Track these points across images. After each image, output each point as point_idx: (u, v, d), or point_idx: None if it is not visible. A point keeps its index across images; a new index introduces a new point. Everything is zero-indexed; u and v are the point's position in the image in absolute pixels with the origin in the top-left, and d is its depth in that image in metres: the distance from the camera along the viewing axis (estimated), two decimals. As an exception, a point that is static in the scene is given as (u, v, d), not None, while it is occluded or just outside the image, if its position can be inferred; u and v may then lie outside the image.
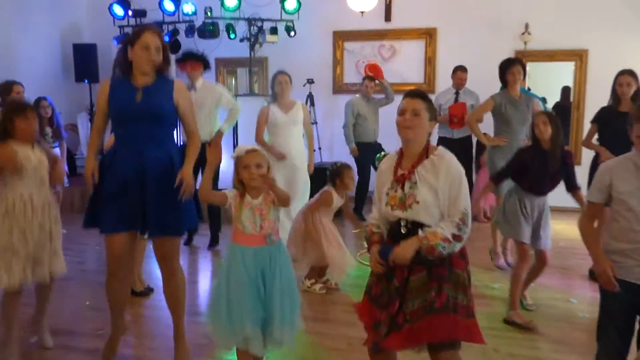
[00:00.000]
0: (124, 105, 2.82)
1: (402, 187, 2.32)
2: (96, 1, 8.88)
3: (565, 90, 7.58)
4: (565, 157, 3.69)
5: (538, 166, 3.63)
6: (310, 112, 6.71)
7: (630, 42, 6.85)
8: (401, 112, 2.36)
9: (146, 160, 2.81)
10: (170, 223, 2.89)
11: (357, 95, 6.71)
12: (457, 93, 6.69)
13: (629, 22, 6.84)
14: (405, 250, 2.26)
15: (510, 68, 4.83)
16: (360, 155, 6.54)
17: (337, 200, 4.33)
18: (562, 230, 5.65)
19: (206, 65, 5.33)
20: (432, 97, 7.05)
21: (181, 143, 4.78)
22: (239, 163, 2.61)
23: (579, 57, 7.17)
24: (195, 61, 5.21)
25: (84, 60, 8.43)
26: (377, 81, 6.61)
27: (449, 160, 2.31)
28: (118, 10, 7.35)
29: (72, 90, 8.25)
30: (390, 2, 7.65)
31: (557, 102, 7.65)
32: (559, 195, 3.86)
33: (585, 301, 4.20)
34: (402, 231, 2.32)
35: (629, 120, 2.50)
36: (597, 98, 6.84)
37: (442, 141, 6.85)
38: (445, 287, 2.27)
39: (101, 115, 2.97)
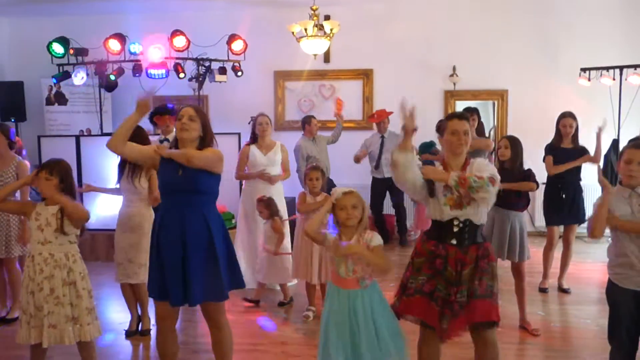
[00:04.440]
0: (168, 179, 2.98)
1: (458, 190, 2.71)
2: (20, 39, 8.58)
3: (479, 125, 8.28)
4: (528, 176, 4.18)
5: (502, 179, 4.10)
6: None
7: (544, 83, 7.77)
8: (454, 132, 2.82)
9: (186, 230, 2.92)
10: (212, 290, 2.97)
11: (302, 137, 6.79)
12: (382, 137, 7.22)
13: (543, 65, 7.76)
14: (442, 176, 2.69)
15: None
16: None
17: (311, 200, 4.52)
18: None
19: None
20: (368, 134, 7.52)
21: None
22: (337, 205, 2.77)
23: (500, 96, 8.00)
24: (166, 115, 5.36)
25: (9, 98, 8.08)
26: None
27: (477, 161, 2.86)
28: (57, 48, 7.11)
29: (-2, 130, 7.78)
30: (329, 44, 8.06)
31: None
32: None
33: (552, 312, 4.71)
34: (455, 229, 2.77)
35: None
36: (517, 132, 7.66)
37: (375, 181, 7.31)
38: (484, 278, 2.78)
39: (143, 150, 3.07)
